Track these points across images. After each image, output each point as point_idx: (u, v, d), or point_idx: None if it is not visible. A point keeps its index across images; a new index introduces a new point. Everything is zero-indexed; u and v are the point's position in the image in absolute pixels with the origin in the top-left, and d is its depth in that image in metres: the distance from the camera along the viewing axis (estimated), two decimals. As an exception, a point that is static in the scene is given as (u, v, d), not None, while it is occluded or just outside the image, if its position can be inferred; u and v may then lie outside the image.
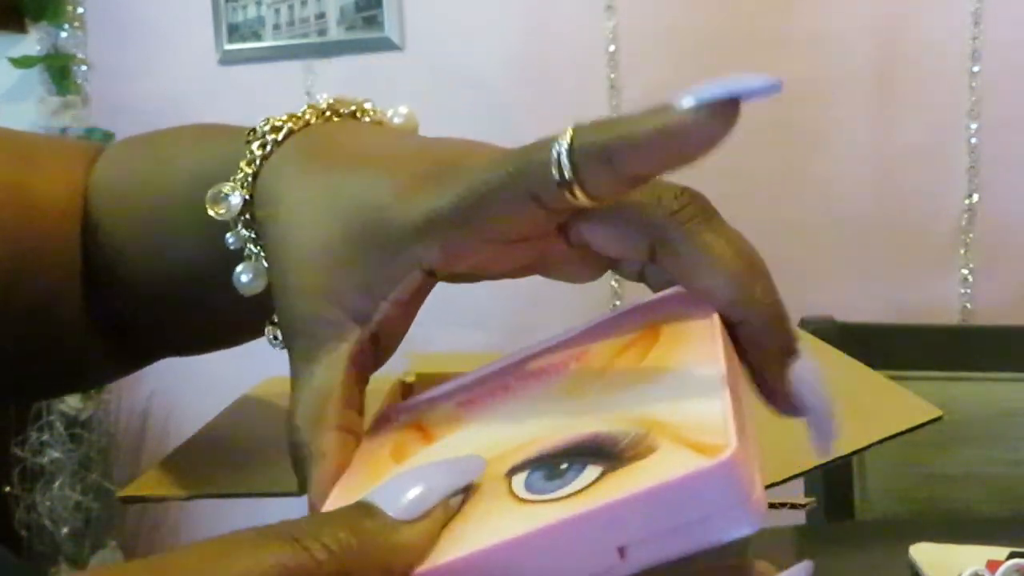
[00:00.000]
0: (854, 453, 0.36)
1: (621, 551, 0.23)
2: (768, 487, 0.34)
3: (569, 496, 0.23)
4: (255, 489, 0.35)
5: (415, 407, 0.33)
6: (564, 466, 0.24)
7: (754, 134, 1.70)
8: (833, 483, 1.13)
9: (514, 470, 0.25)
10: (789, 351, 0.28)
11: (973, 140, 1.71)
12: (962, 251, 1.73)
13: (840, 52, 1.72)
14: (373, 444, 0.31)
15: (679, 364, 0.27)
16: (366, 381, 0.32)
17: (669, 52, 1.73)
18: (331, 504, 0.28)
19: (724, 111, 0.25)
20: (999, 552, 0.70)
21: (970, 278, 1.73)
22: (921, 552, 0.74)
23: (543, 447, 0.25)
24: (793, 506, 0.34)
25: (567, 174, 0.27)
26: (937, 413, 0.37)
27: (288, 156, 0.34)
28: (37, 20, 1.97)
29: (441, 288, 0.32)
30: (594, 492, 0.23)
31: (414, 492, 0.24)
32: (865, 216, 1.74)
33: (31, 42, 1.97)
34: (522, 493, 0.24)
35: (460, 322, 1.50)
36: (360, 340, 0.31)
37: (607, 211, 0.29)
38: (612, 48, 1.76)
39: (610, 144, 0.26)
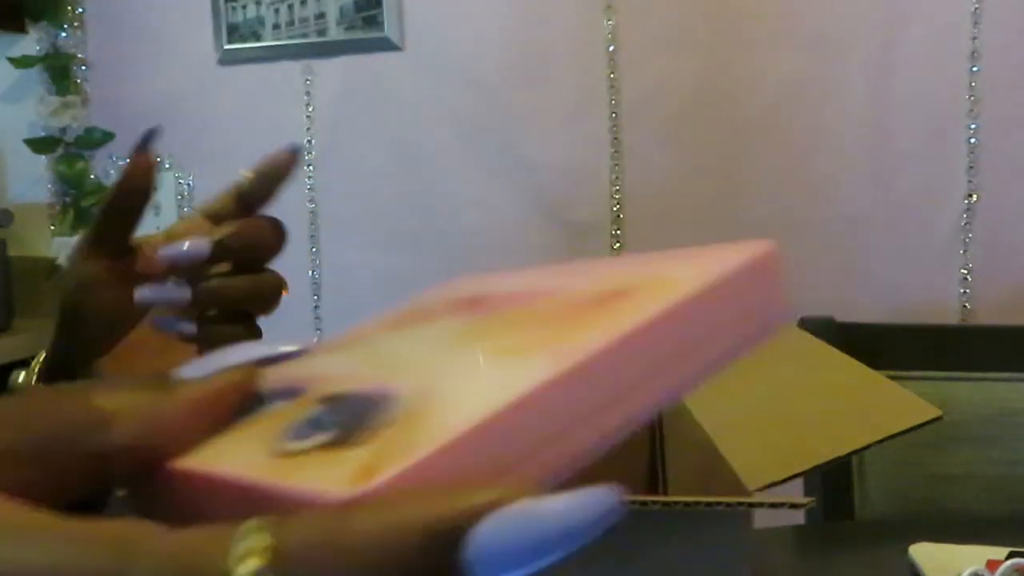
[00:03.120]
0: (854, 453, 0.36)
1: None
2: (768, 487, 0.34)
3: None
4: (255, 489, 0.35)
5: None
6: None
7: (754, 134, 1.70)
8: (833, 483, 1.13)
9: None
10: None
11: (973, 140, 1.70)
12: (961, 251, 1.72)
13: (840, 52, 1.72)
14: None
15: None
16: None
17: (669, 52, 1.73)
18: None
19: None
20: (999, 552, 0.70)
21: (969, 278, 1.73)
22: (921, 552, 0.74)
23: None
24: (793, 506, 0.34)
25: None
26: (937, 413, 0.37)
27: None
28: (37, 20, 1.97)
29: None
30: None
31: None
32: (865, 216, 1.74)
33: (31, 42, 1.97)
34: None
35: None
36: None
37: None
38: (612, 48, 1.76)
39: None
